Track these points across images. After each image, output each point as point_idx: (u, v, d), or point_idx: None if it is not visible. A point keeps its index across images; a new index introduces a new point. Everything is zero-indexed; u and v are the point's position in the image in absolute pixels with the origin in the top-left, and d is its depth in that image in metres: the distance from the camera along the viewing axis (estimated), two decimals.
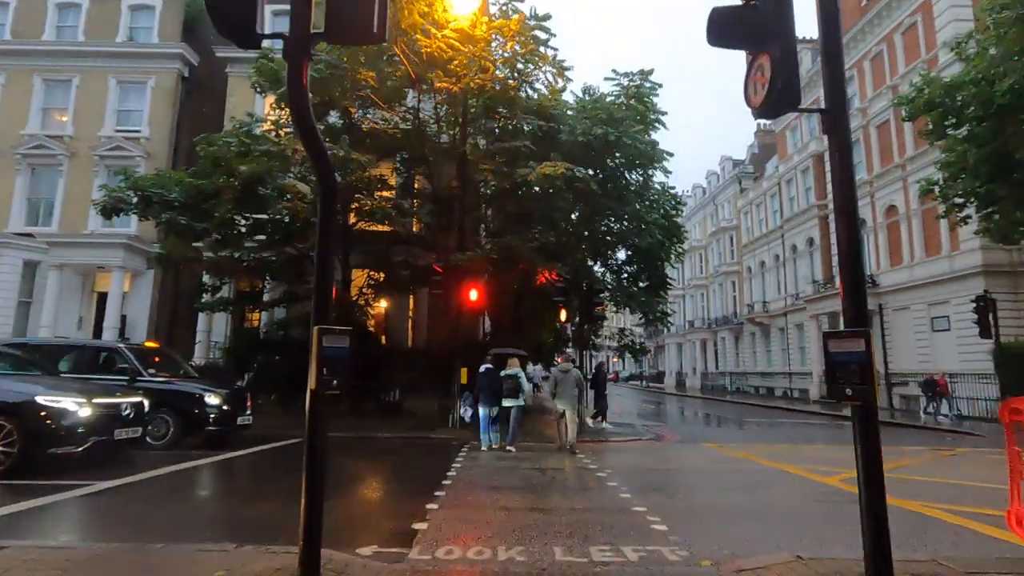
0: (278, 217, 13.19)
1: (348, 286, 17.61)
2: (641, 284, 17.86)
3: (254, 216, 14.71)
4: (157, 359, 11.62)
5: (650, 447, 12.22)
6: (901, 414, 23.05)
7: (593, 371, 15.76)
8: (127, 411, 8.13)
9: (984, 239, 19.65)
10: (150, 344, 13.13)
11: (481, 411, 11.21)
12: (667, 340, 55.33)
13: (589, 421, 14.77)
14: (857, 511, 3.18)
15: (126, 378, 10.17)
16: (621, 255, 19.39)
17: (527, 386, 12.02)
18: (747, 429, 17.13)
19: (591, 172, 14.10)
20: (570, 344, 24.41)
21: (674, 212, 17.51)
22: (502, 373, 11.32)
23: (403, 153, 18.00)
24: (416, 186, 19.27)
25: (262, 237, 16.02)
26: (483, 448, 10.87)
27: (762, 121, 46.18)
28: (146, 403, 8.79)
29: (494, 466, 8.96)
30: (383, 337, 21.01)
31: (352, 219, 18.74)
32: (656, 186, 17.02)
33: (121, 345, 11.09)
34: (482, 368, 11.63)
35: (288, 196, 13.08)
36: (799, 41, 4.08)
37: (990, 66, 16.04)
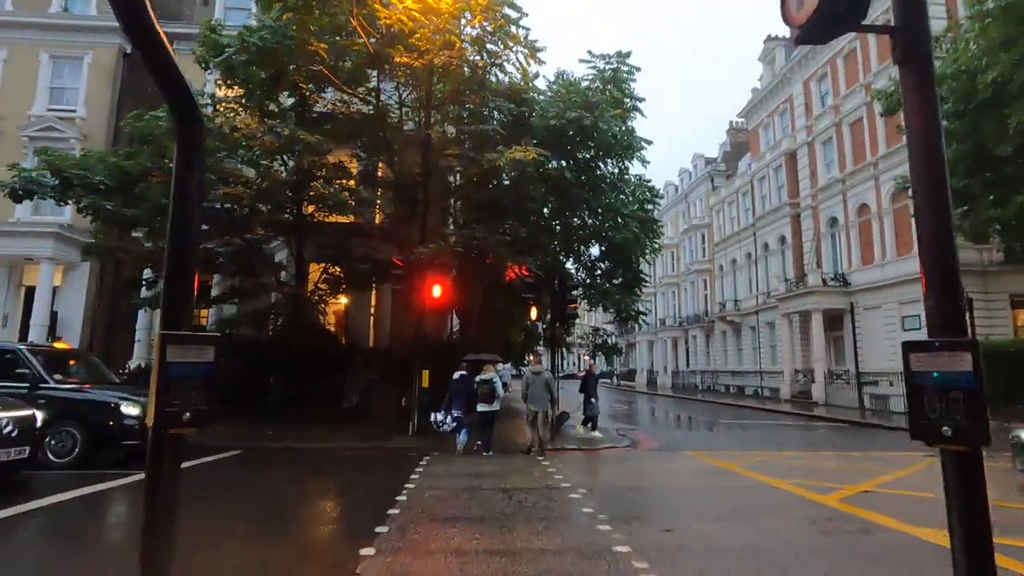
0: (218, 205, 11.74)
1: (303, 281, 16.25)
2: (615, 281, 16.97)
3: None
4: (70, 363, 10.16)
5: (627, 456, 11.31)
6: (872, 414, 22.80)
7: (583, 373, 14.62)
8: (7, 428, 6.75)
9: (957, 238, 19.41)
10: (60, 345, 11.62)
11: (455, 415, 11.01)
12: (638, 338, 55.00)
13: (580, 429, 13.69)
14: (873, 545, 2.17)
15: (26, 385, 8.75)
16: (595, 251, 18.52)
17: (501, 391, 11.82)
18: (725, 432, 16.42)
19: (564, 163, 13.09)
20: (541, 343, 23.45)
21: (650, 205, 16.65)
22: (477, 378, 11.18)
23: (363, 139, 16.70)
24: (379, 175, 17.99)
25: (204, 227, 14.53)
26: (458, 451, 10.75)
27: (734, 119, 46.04)
28: (38, 416, 7.40)
29: (453, 487, 7.86)
30: (343, 337, 19.67)
31: (309, 209, 17.38)
32: (632, 178, 16.12)
33: (22, 347, 9.59)
34: (456, 374, 11.45)
35: (232, 182, 11.70)
36: None
37: (972, 59, 15.63)
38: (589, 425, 13.54)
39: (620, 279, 16.78)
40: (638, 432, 15.26)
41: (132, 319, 19.31)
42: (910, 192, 17.22)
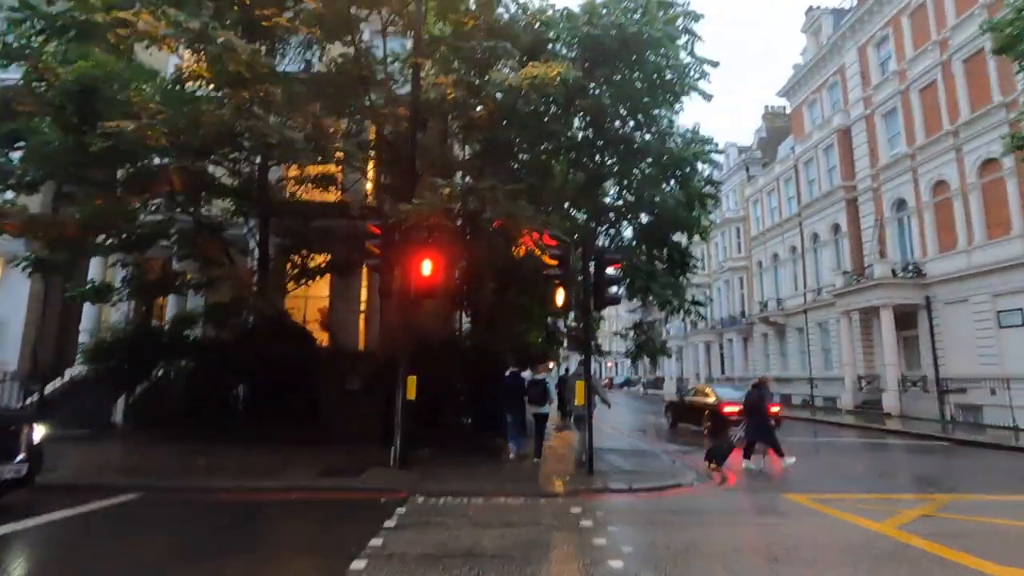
0: (112, 143, 8.47)
1: (266, 267, 13.05)
2: (659, 265, 13.48)
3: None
4: None
5: (706, 504, 7.59)
6: (959, 428, 18.84)
7: (748, 392, 11.10)
8: None
9: None
10: None
11: (508, 418, 10.77)
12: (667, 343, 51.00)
13: (785, 462, 10.30)
14: None
15: None
16: (628, 232, 15.08)
17: (554, 393, 11.61)
18: (804, 456, 12.77)
19: (601, 88, 9.69)
20: (564, 344, 19.90)
21: (707, 163, 12.99)
22: (529, 378, 10.94)
23: (350, 105, 13.48)
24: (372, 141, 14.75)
25: (139, 197, 11.39)
26: (511, 456, 10.49)
27: (771, 104, 42.32)
28: None
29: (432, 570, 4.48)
30: (326, 337, 16.42)
31: (291, 187, 14.25)
32: (681, 130, 12.56)
33: None
34: (507, 372, 11.27)
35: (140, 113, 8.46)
36: None
37: None
38: (754, 457, 10.31)
39: (666, 263, 13.28)
40: (695, 457, 11.66)
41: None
42: None
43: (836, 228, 29.09)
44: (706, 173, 13.21)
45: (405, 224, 8.86)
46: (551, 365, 17.61)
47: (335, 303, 16.59)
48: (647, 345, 14.50)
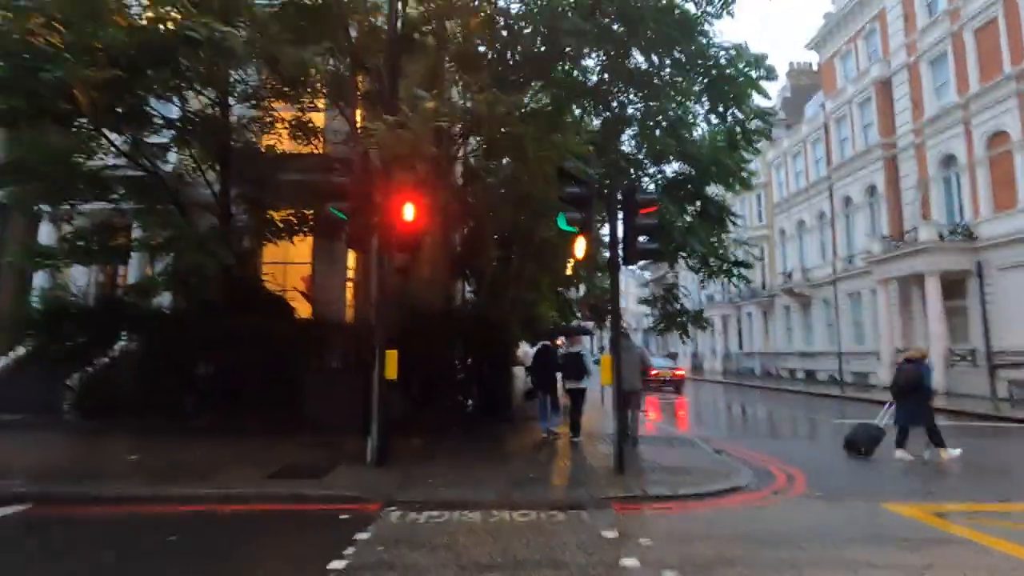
0: None
1: (226, 223, 11.07)
2: (688, 219, 11.37)
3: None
4: None
5: (793, 528, 5.28)
6: (1015, 405, 16.84)
7: (900, 366, 8.93)
8: None
9: None
10: None
11: (541, 395, 10.40)
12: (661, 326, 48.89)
13: (949, 454, 8.30)
14: None
15: None
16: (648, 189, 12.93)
17: (591, 367, 10.39)
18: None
19: None
20: (578, 315, 17.86)
21: (758, 91, 10.57)
22: (563, 351, 10.68)
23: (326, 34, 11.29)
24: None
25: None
26: (543, 434, 10.02)
27: (796, 60, 39.44)
28: None
29: None
30: (311, 309, 14.54)
31: (264, 140, 12.23)
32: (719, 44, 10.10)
33: None
34: (539, 345, 11.18)
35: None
36: None
37: None
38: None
39: (697, 215, 11.17)
40: (739, 446, 9.74)
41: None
42: None
43: (872, 190, 26.68)
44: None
45: (384, 155, 6.82)
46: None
47: (318, 270, 14.67)
48: (680, 313, 12.38)
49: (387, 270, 7.52)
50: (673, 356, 49.76)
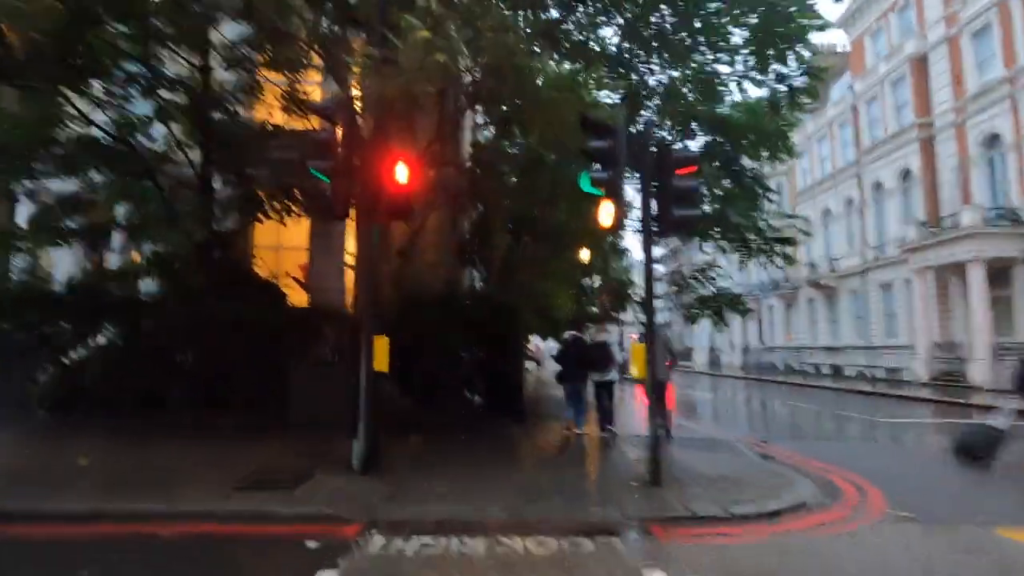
0: None
1: (208, 195, 10.02)
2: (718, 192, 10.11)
3: None
4: None
5: (890, 563, 4.07)
6: None
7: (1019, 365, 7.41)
8: None
9: None
10: None
11: (568, 387, 9.42)
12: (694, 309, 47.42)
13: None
14: None
15: None
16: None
17: (619, 357, 9.92)
18: (931, 450, 9.56)
19: None
20: (594, 307, 16.59)
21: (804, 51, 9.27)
22: (591, 340, 9.84)
23: None
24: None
25: None
26: (564, 428, 9.35)
27: (822, 42, 37.60)
28: None
29: None
30: (307, 295, 13.52)
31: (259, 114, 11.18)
32: None
33: None
34: (567, 335, 10.78)
35: None
36: None
37: None
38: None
39: (729, 188, 9.91)
40: (781, 448, 8.51)
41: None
42: None
43: (906, 174, 25.12)
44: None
45: (372, 102, 5.68)
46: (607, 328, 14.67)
47: (315, 255, 13.62)
48: (719, 299, 11.05)
49: (374, 241, 6.40)
50: (689, 352, 48.31)
